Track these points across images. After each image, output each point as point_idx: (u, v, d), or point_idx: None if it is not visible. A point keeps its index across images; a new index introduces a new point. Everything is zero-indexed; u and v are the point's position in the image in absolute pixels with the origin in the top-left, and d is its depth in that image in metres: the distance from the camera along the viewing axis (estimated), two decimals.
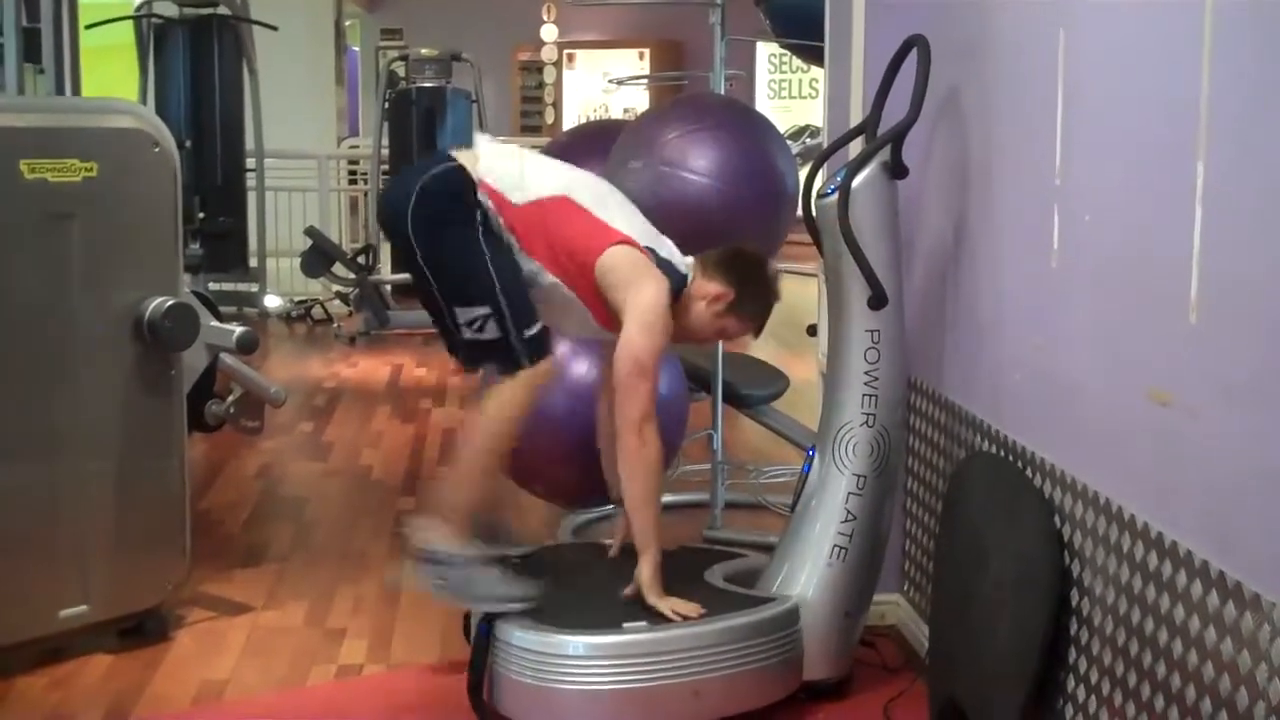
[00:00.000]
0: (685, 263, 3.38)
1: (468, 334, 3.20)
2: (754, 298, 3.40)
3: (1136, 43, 2.45)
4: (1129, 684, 2.42)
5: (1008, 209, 3.09)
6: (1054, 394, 2.79)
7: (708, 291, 3.35)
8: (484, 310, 3.18)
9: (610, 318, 3.27)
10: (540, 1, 16.83)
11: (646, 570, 3.20)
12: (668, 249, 3.37)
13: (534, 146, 4.06)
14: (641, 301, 3.22)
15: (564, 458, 3.98)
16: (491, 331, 3.18)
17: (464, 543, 3.19)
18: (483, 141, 3.41)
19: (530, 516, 4.59)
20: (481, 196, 3.22)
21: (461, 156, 3.30)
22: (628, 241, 3.27)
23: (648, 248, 3.30)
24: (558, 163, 3.49)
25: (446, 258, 3.23)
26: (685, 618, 3.14)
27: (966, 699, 2.90)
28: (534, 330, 3.22)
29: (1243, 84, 2.08)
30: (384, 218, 3.40)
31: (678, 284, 3.31)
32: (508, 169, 3.29)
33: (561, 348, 4.09)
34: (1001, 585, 2.80)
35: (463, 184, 3.23)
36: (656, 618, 3.15)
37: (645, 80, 14.74)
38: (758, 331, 3.50)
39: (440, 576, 3.17)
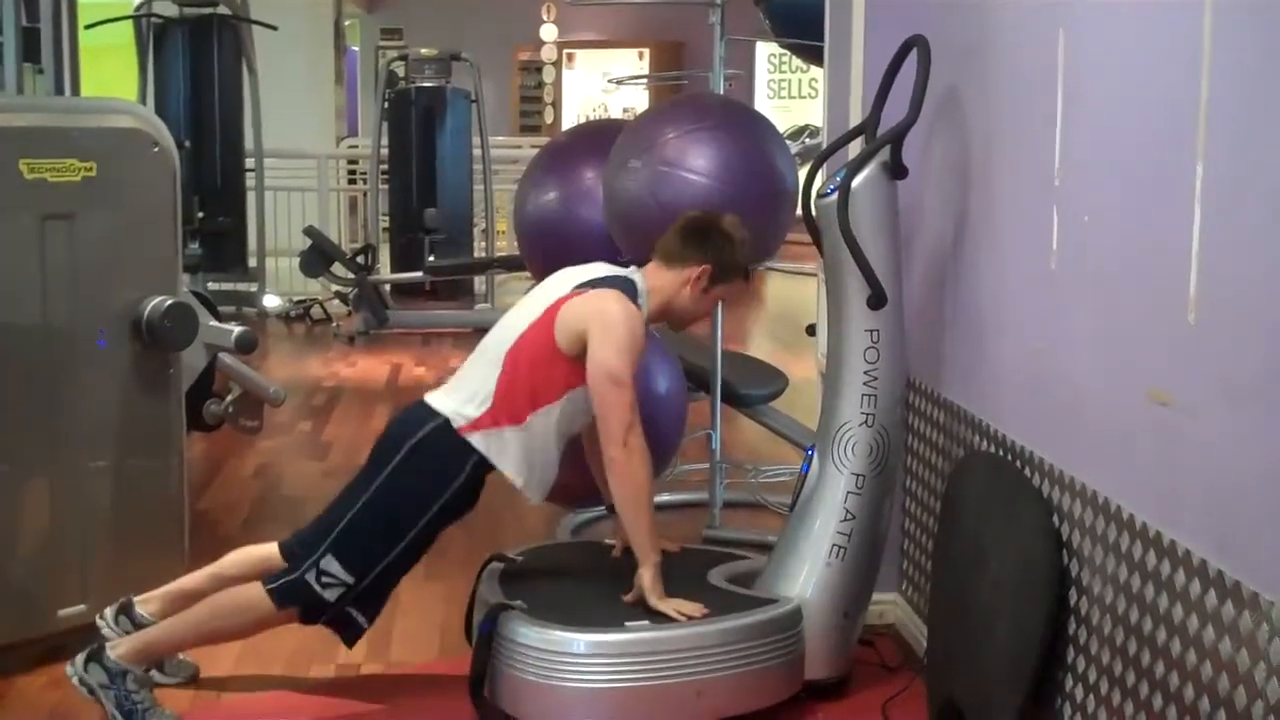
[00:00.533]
0: (626, 271, 3.39)
1: (309, 575, 3.19)
2: (728, 255, 3.39)
3: (1136, 43, 2.45)
4: (1127, 683, 2.42)
5: (1007, 209, 3.09)
6: (1053, 394, 2.79)
7: (686, 276, 3.36)
8: (348, 579, 3.19)
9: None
10: (540, 1, 16.84)
11: (647, 576, 3.21)
12: (598, 270, 3.38)
13: (533, 147, 4.05)
14: (598, 315, 3.22)
15: (562, 457, 3.97)
16: (331, 594, 3.20)
17: (144, 671, 3.24)
18: (443, 393, 3.35)
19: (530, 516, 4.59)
20: (474, 439, 3.22)
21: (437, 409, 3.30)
22: (558, 303, 3.27)
23: (575, 288, 3.30)
24: (493, 331, 3.41)
25: (386, 502, 3.23)
26: (690, 618, 3.15)
27: (965, 698, 2.90)
28: (364, 622, 3.27)
29: (1242, 84, 2.08)
30: (392, 432, 3.37)
31: (626, 286, 3.30)
32: (471, 392, 3.28)
33: None
34: (1000, 585, 2.80)
35: (458, 449, 3.22)
36: (659, 616, 3.15)
37: (645, 80, 14.75)
38: (748, 278, 3.50)
39: (111, 693, 3.18)
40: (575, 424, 3.34)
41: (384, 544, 3.23)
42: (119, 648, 3.21)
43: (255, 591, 3.23)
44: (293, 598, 3.22)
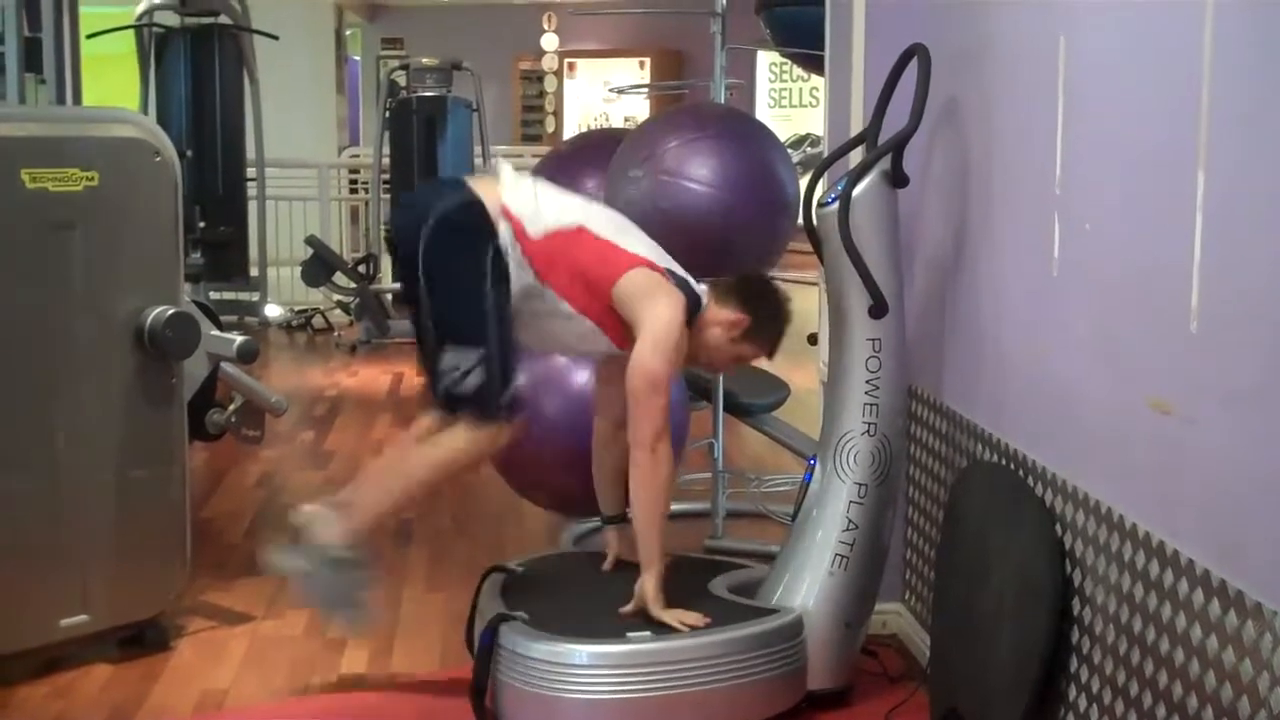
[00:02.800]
0: (700, 286, 3.41)
1: (447, 380, 3.23)
2: (768, 321, 3.43)
3: (1137, 51, 2.45)
4: (1130, 693, 2.41)
5: (1008, 217, 3.09)
6: (1055, 402, 2.79)
7: (723, 318, 3.37)
8: (474, 356, 3.21)
9: (626, 337, 3.29)
10: (541, 11, 16.86)
11: (650, 585, 3.20)
12: (682, 270, 3.40)
13: (535, 156, 4.06)
14: (657, 318, 3.24)
15: (565, 467, 3.98)
16: (473, 382, 3.21)
17: (351, 549, 3.26)
18: (506, 170, 3.43)
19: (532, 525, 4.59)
20: (503, 228, 3.25)
21: (480, 186, 3.33)
22: (645, 263, 3.31)
23: (665, 269, 3.33)
24: (574, 196, 3.52)
25: (451, 294, 3.27)
26: (691, 627, 3.14)
27: (968, 708, 2.90)
28: (513, 390, 3.27)
29: (1243, 91, 2.08)
30: (397, 240, 3.43)
31: (693, 302, 3.33)
32: (526, 200, 3.32)
33: (562, 358, 4.10)
34: (1003, 594, 2.80)
35: (482, 219, 3.25)
36: (661, 627, 3.15)
37: (646, 89, 14.77)
38: (772, 354, 3.52)
39: (314, 570, 3.23)
40: (543, 332, 3.37)
41: (476, 310, 3.23)
42: (332, 536, 3.24)
43: (437, 438, 3.29)
44: (454, 398, 3.24)
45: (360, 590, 3.29)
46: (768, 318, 3.43)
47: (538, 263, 3.27)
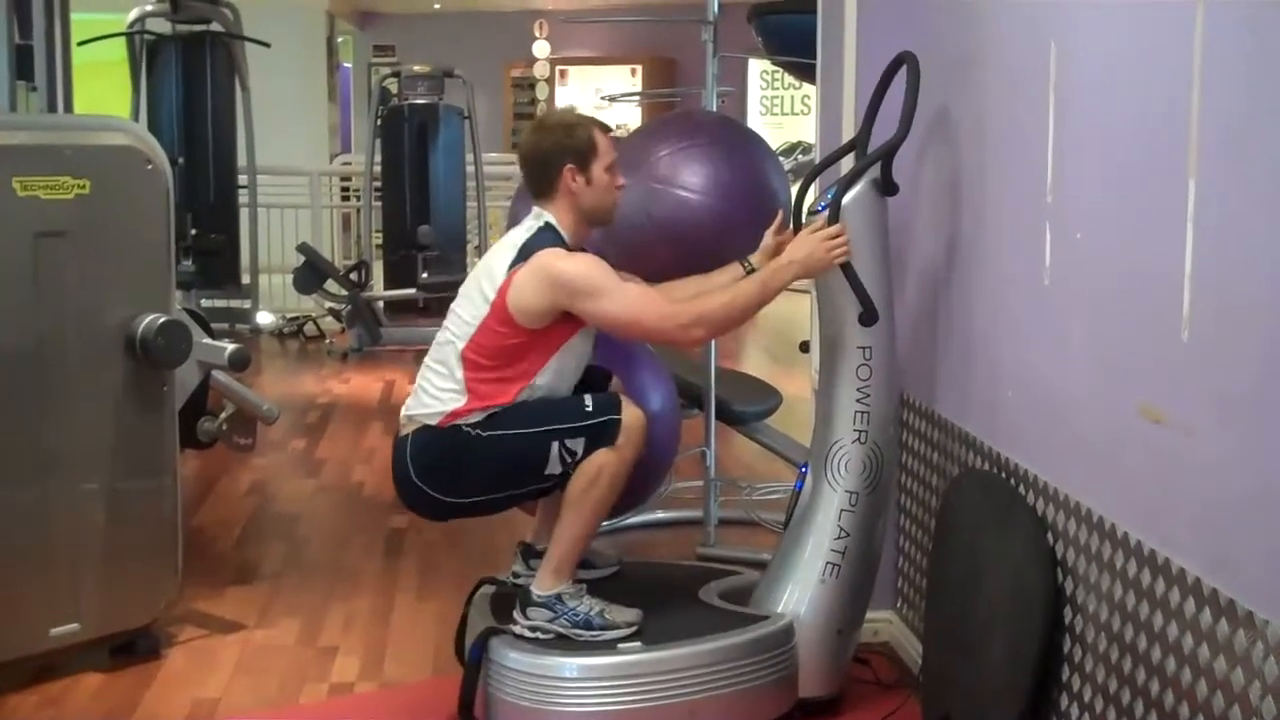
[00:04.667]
0: (532, 220, 3.30)
1: (571, 464, 3.17)
2: (570, 141, 3.28)
3: (1128, 59, 2.46)
4: (1122, 701, 2.42)
5: (999, 226, 3.09)
6: (1047, 411, 2.79)
7: (564, 189, 3.26)
8: (556, 447, 3.17)
9: (564, 325, 3.22)
10: (533, 18, 16.87)
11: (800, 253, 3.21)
12: (518, 238, 3.28)
13: None
14: (571, 284, 3.15)
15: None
16: (578, 443, 3.17)
17: (572, 585, 3.22)
18: (407, 406, 3.32)
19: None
20: (460, 424, 3.19)
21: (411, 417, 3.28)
22: (504, 289, 3.19)
23: (510, 268, 3.21)
24: (436, 341, 3.37)
25: (494, 473, 3.22)
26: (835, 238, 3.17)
27: (960, 716, 2.90)
28: (589, 404, 3.21)
29: (1234, 100, 2.08)
30: (413, 507, 3.36)
31: (548, 234, 3.24)
32: (436, 389, 3.24)
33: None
34: (995, 602, 2.80)
35: (437, 430, 3.20)
36: (651, 637, 3.14)
37: (637, 97, 14.75)
38: (604, 130, 3.37)
39: (560, 620, 3.18)
40: (585, 357, 3.33)
41: (515, 463, 3.20)
42: (537, 584, 3.21)
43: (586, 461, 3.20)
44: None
45: (600, 612, 3.20)
46: (567, 142, 3.27)
47: (484, 400, 3.20)
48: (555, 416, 3.19)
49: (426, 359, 3.31)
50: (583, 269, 3.17)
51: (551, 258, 3.18)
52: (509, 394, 3.20)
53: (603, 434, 3.17)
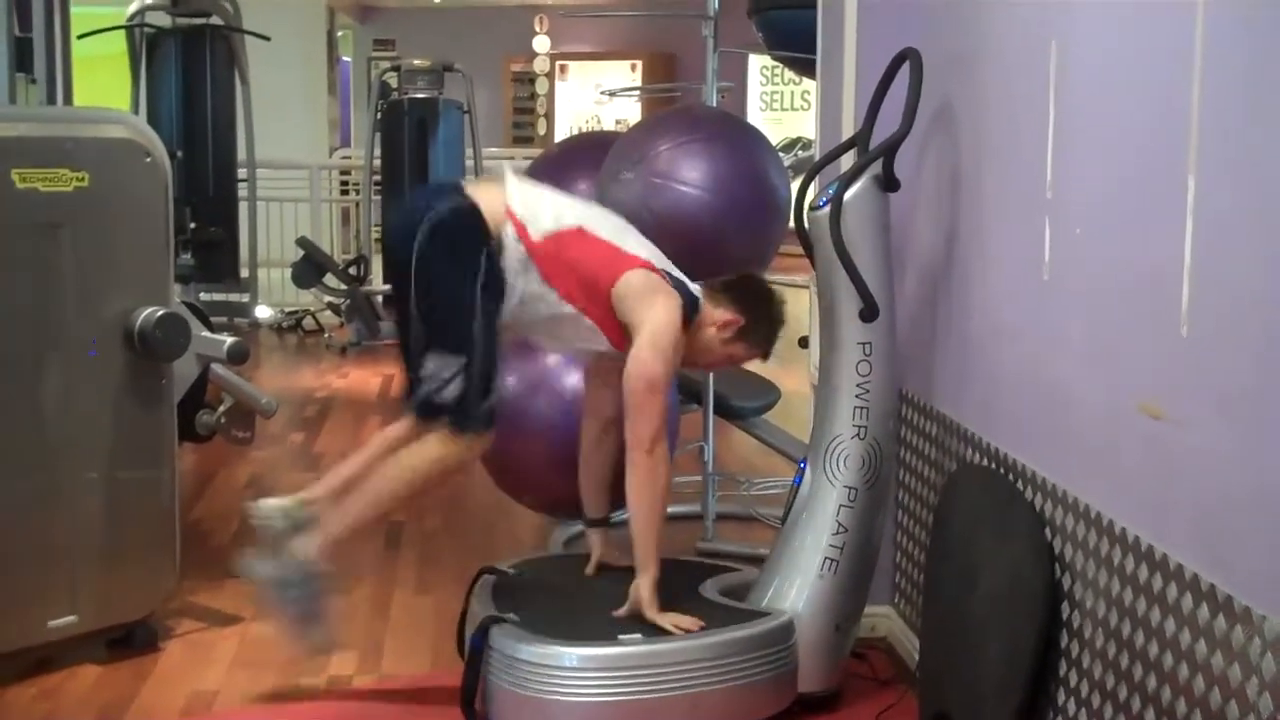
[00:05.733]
0: (695, 289, 3.42)
1: (427, 388, 3.23)
2: (763, 323, 3.45)
3: (1128, 55, 2.46)
4: (1119, 697, 2.42)
5: (999, 221, 3.09)
6: (1045, 406, 2.79)
7: (717, 318, 3.40)
8: (457, 364, 3.21)
9: (624, 338, 3.30)
10: (533, 13, 16.87)
11: (645, 588, 3.20)
12: (679, 272, 3.42)
13: (526, 158, 4.06)
14: (655, 320, 3.25)
15: (554, 469, 3.97)
16: (453, 391, 3.21)
17: (322, 563, 3.25)
18: (508, 173, 3.44)
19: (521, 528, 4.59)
20: (507, 230, 3.25)
21: (478, 190, 3.34)
22: (644, 265, 3.32)
23: (664, 270, 3.35)
24: (572, 198, 3.54)
25: (440, 300, 3.26)
26: (686, 631, 3.14)
27: (957, 711, 2.90)
28: (492, 401, 3.27)
29: (1234, 96, 2.08)
30: (391, 242, 3.45)
31: (690, 303, 3.34)
32: (528, 202, 3.33)
33: (553, 357, 4.10)
34: (992, 598, 2.80)
35: (476, 224, 3.26)
36: (653, 629, 3.15)
37: (637, 92, 14.76)
38: (766, 355, 3.53)
39: (285, 581, 3.21)
40: (531, 323, 3.39)
41: (463, 319, 3.23)
42: (308, 549, 3.23)
43: (413, 445, 3.28)
44: (430, 407, 3.25)
45: (325, 606, 3.27)
46: (763, 319, 3.44)
47: (541, 263, 3.28)
48: (485, 364, 3.24)
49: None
50: (673, 330, 3.26)
51: (674, 304, 3.29)
52: (553, 278, 3.28)
53: (465, 418, 3.22)
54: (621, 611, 3.22)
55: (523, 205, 3.31)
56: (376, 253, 10.43)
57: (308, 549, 3.25)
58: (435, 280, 3.26)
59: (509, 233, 3.27)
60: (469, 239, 3.25)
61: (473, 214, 3.27)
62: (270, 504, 3.34)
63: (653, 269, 3.33)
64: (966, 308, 3.28)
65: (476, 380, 3.23)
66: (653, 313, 3.26)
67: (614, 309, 3.29)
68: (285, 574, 3.23)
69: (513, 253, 3.27)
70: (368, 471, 3.39)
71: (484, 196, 3.31)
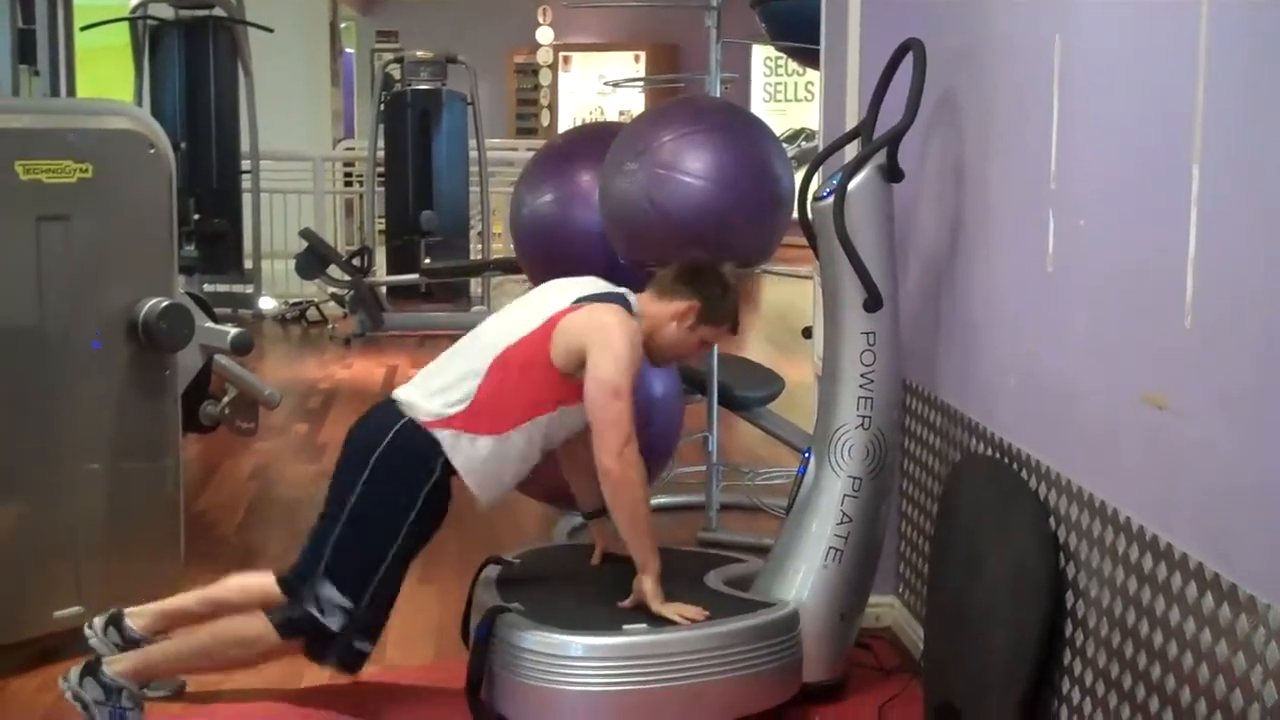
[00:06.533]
0: (621, 290, 3.37)
1: (311, 607, 3.19)
2: (718, 300, 3.40)
3: (1132, 47, 2.46)
4: (1124, 686, 2.42)
5: (1003, 213, 3.09)
6: (1049, 397, 2.79)
7: (675, 310, 3.36)
8: (348, 606, 3.18)
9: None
10: (536, 4, 16.84)
11: (649, 583, 3.19)
12: (595, 285, 3.37)
13: (529, 149, 4.05)
14: (597, 327, 3.21)
15: (558, 459, 3.97)
16: (334, 624, 3.19)
17: (137, 687, 3.22)
18: (413, 386, 3.35)
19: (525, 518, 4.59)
20: (443, 435, 3.20)
21: (406, 395, 3.30)
22: (556, 317, 3.25)
23: (574, 302, 3.28)
24: (467, 339, 3.42)
25: (365, 524, 3.22)
26: (692, 621, 3.14)
27: (962, 701, 2.90)
28: (367, 649, 3.25)
29: (1238, 89, 2.08)
30: (355, 437, 3.38)
31: (623, 303, 3.31)
32: (431, 390, 3.27)
33: None
34: (996, 587, 2.80)
35: (420, 444, 3.21)
36: (658, 619, 3.15)
37: (641, 83, 14.75)
38: (734, 329, 3.50)
39: (104, 708, 3.17)
40: (557, 440, 3.33)
41: (374, 558, 3.21)
42: (117, 664, 3.20)
43: (259, 623, 3.23)
44: (298, 629, 3.21)
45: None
46: (716, 296, 3.39)
47: (493, 429, 3.21)
48: (384, 604, 3.25)
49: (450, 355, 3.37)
50: (620, 332, 3.20)
51: (611, 310, 3.25)
52: (504, 425, 3.21)
53: (346, 647, 3.22)
54: (626, 603, 3.23)
55: (433, 400, 3.24)
56: (380, 244, 10.48)
57: (119, 666, 3.20)
58: (368, 503, 3.21)
59: (446, 436, 3.20)
60: (414, 466, 3.22)
61: (408, 429, 3.22)
62: (96, 622, 3.37)
63: (564, 312, 3.26)
64: (970, 298, 3.28)
65: (366, 624, 3.22)
66: (594, 327, 3.21)
67: (562, 368, 3.21)
68: (94, 693, 3.17)
69: (468, 450, 3.22)
70: (208, 613, 3.37)
71: (414, 403, 3.26)
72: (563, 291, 3.36)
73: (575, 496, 3.65)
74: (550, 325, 3.24)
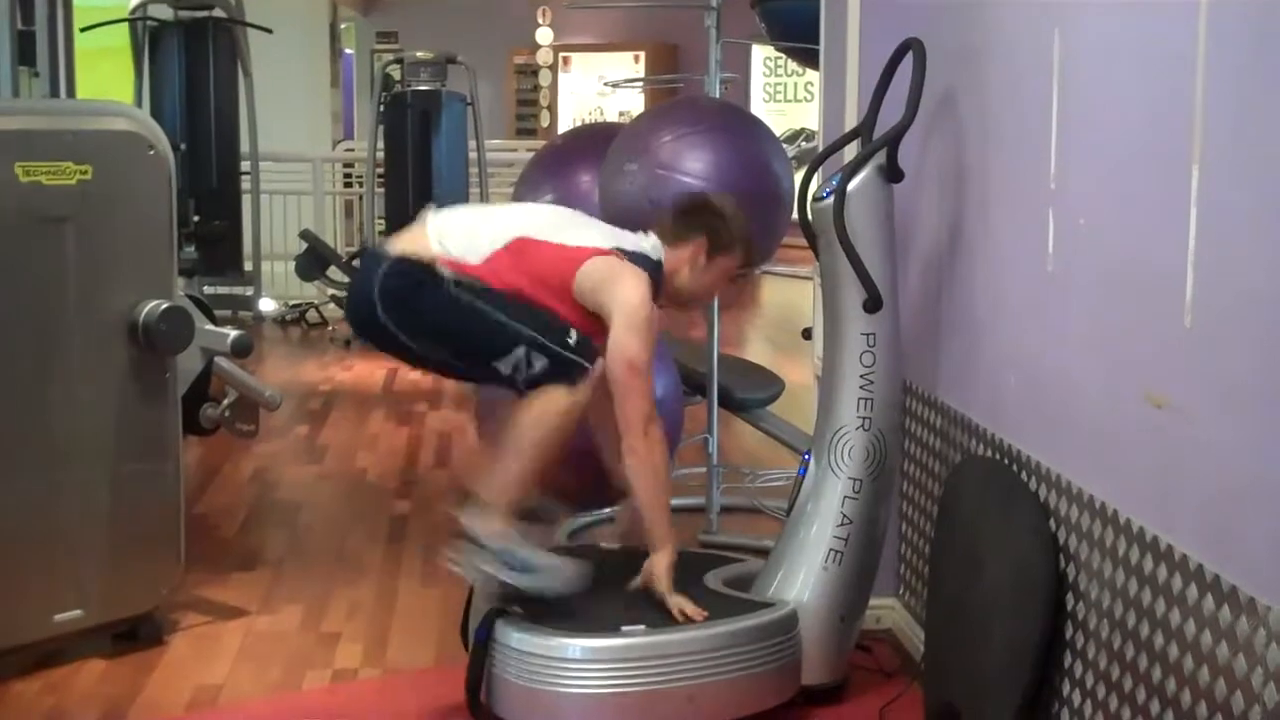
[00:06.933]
0: (653, 244, 3.38)
1: (521, 377, 3.16)
2: (723, 229, 3.39)
3: (1131, 47, 2.45)
4: (1124, 688, 2.42)
5: (1003, 212, 3.09)
6: (1049, 398, 2.79)
7: (684, 256, 3.37)
8: (519, 351, 3.16)
9: (599, 329, 3.26)
10: (535, 4, 16.83)
11: (662, 563, 3.20)
12: (633, 241, 3.37)
13: (529, 150, 4.06)
14: (624, 300, 3.22)
15: (560, 461, 3.96)
16: (540, 362, 3.16)
17: (512, 531, 3.18)
18: (428, 216, 3.37)
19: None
20: (442, 270, 3.20)
21: (401, 243, 3.31)
22: (593, 252, 3.28)
23: (614, 248, 3.31)
24: (502, 208, 3.48)
25: (446, 330, 3.23)
26: (688, 619, 3.14)
27: (962, 703, 2.90)
28: (574, 338, 3.20)
29: (1237, 88, 2.08)
30: (359, 330, 3.40)
31: (654, 270, 3.31)
32: (455, 234, 3.28)
33: None
34: (997, 589, 2.80)
35: (418, 266, 3.22)
36: (655, 620, 3.15)
37: (641, 83, 14.73)
38: (749, 259, 3.48)
39: (493, 562, 3.14)
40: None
41: (485, 329, 3.19)
42: (484, 528, 3.16)
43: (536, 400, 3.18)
44: (534, 385, 3.16)
45: (536, 558, 3.17)
46: (720, 226, 3.39)
47: (490, 285, 3.22)
48: (537, 325, 3.18)
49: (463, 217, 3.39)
50: (644, 306, 3.21)
51: (638, 280, 3.25)
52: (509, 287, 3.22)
53: (568, 370, 3.16)
54: (637, 581, 3.22)
55: (449, 241, 3.25)
56: (375, 242, 10.46)
57: (488, 530, 3.17)
58: (425, 323, 3.23)
59: (447, 275, 3.21)
60: (421, 278, 3.21)
61: (407, 261, 3.23)
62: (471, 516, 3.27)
63: (602, 252, 3.29)
64: (970, 298, 3.27)
65: (545, 342, 3.16)
66: (621, 294, 3.22)
67: (580, 303, 3.25)
68: (488, 562, 3.14)
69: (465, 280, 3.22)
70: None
71: (410, 244, 3.28)
72: (608, 234, 3.36)
73: (611, 468, 3.58)
74: (585, 255, 3.25)
